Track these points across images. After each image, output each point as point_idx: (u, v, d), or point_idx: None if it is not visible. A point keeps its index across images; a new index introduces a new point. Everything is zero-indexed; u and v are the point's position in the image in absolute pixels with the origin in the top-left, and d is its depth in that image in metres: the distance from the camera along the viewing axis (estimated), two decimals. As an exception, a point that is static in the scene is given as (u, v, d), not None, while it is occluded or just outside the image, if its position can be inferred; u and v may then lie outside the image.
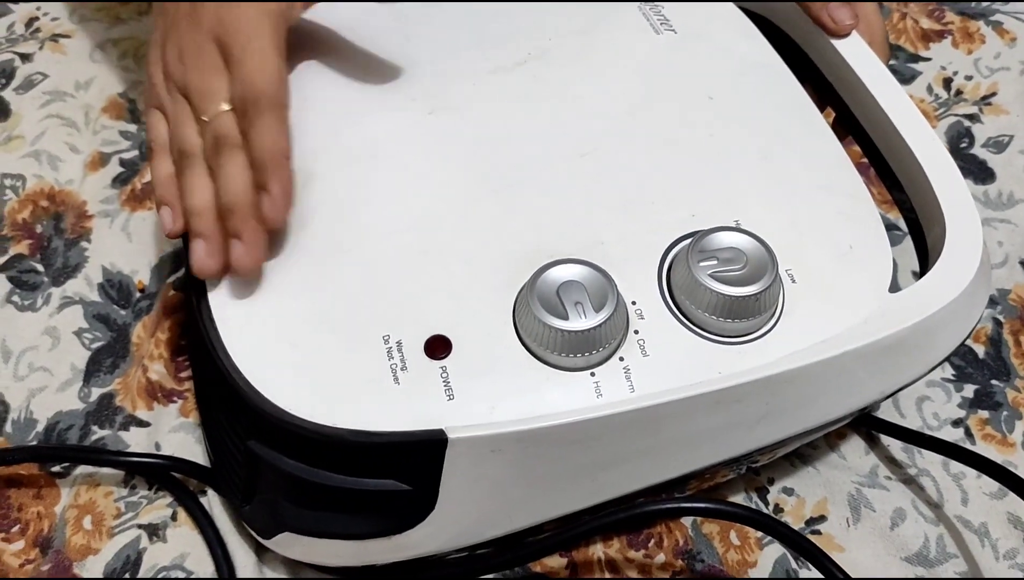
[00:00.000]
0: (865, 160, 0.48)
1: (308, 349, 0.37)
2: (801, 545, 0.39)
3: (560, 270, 0.37)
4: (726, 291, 0.36)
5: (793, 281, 0.39)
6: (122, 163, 0.57)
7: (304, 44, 0.47)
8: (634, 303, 0.38)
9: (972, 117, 0.62)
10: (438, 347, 0.37)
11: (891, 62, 0.64)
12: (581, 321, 0.35)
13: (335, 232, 0.40)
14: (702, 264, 0.37)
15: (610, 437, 0.36)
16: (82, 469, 0.46)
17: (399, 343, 0.37)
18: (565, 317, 0.36)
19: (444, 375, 0.36)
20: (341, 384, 0.36)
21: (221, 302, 0.39)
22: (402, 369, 0.36)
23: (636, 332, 0.37)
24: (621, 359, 0.37)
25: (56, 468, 0.47)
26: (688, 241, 0.39)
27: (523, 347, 0.37)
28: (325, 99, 0.45)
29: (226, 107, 0.40)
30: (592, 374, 0.36)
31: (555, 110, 0.44)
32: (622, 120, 0.44)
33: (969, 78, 0.64)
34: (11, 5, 0.64)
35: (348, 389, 0.36)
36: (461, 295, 0.38)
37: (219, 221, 0.40)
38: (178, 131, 0.41)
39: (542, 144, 0.43)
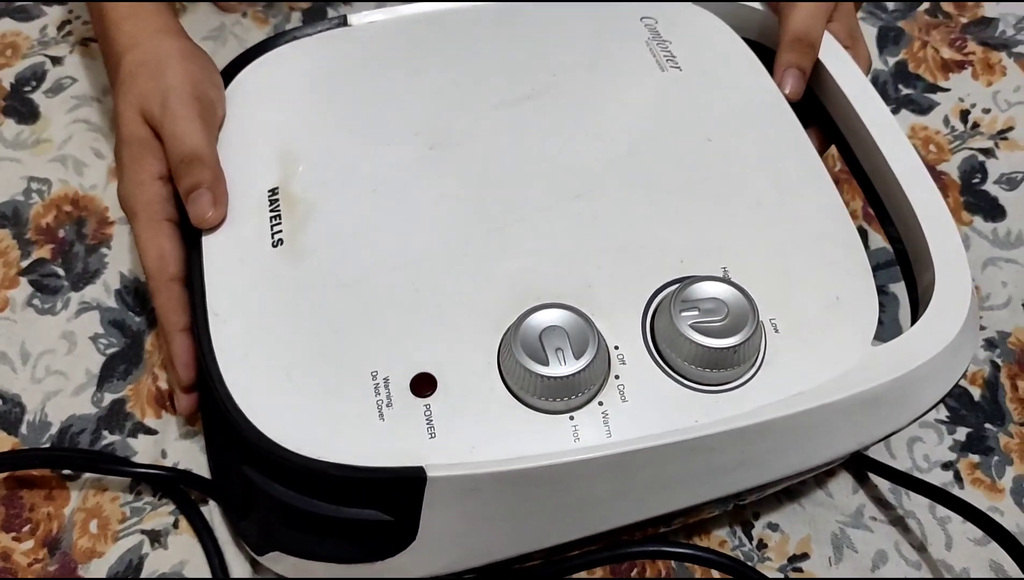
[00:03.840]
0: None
1: (301, 381, 0.39)
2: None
3: (543, 315, 0.38)
4: (705, 342, 0.37)
5: (776, 331, 0.40)
6: (144, 171, 0.59)
7: (307, 78, 0.48)
8: (617, 348, 0.39)
9: (987, 152, 0.62)
10: (423, 385, 0.38)
11: (909, 92, 0.64)
12: (560, 367, 0.37)
13: (334, 265, 0.41)
14: (684, 314, 0.38)
15: (587, 480, 0.37)
16: (91, 473, 0.48)
17: (386, 379, 0.38)
18: (545, 362, 0.37)
19: (428, 413, 0.37)
20: (329, 418, 0.38)
21: (220, 330, 0.40)
22: (387, 406, 0.37)
23: (617, 377, 0.38)
24: (600, 404, 0.38)
25: (67, 471, 0.49)
26: (673, 289, 0.39)
27: (505, 388, 0.38)
28: (329, 132, 0.46)
29: None
30: (571, 417, 0.37)
31: (555, 147, 0.45)
32: (620, 160, 0.45)
33: (987, 111, 0.63)
34: (44, 7, 0.66)
35: (336, 423, 0.38)
36: (449, 334, 0.39)
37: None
38: None
39: (540, 183, 0.44)
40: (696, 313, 0.38)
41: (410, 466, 0.36)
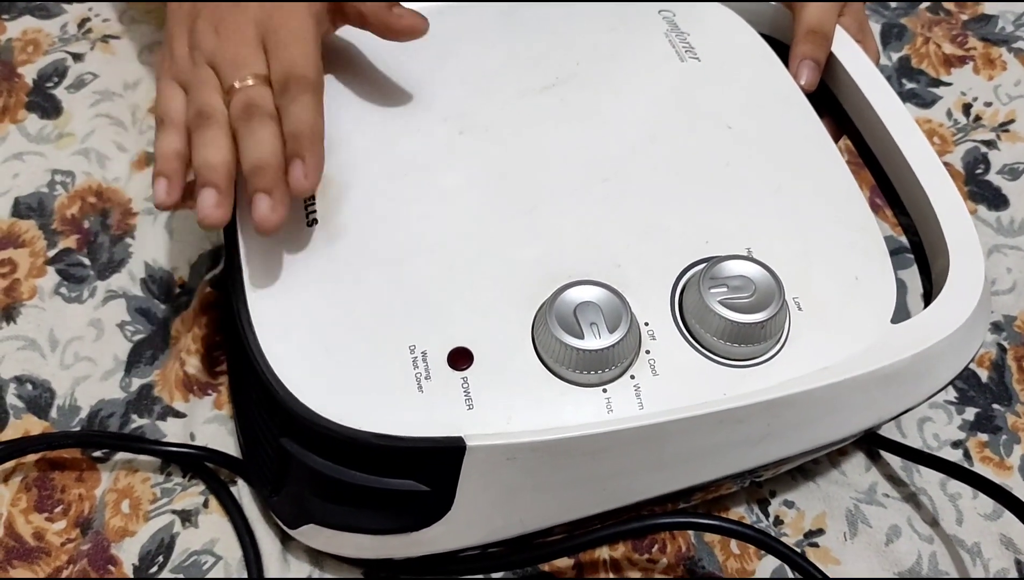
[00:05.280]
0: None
1: (340, 355, 0.40)
2: (796, 562, 0.41)
3: (577, 291, 0.39)
4: (734, 318, 0.38)
5: (800, 309, 0.41)
6: (166, 163, 0.60)
7: (341, 63, 0.50)
8: (647, 324, 0.40)
9: (989, 143, 0.63)
10: (460, 359, 0.39)
11: (912, 86, 0.66)
12: (595, 341, 0.38)
13: (369, 244, 0.43)
14: (712, 290, 0.39)
15: (619, 450, 0.39)
16: (121, 455, 0.49)
17: (424, 353, 0.39)
18: (581, 336, 0.38)
19: (465, 386, 0.38)
20: (369, 390, 0.39)
21: (260, 306, 0.41)
22: (426, 378, 0.39)
23: (648, 352, 0.39)
24: (632, 377, 0.39)
25: (97, 453, 0.49)
26: (701, 267, 0.41)
27: (540, 362, 0.39)
28: (362, 116, 0.47)
29: (254, 81, 0.42)
30: (604, 390, 0.39)
31: (580, 134, 0.46)
32: (644, 146, 0.46)
33: (989, 104, 0.65)
34: (64, 5, 0.67)
35: (375, 395, 0.39)
36: (484, 310, 0.40)
37: (232, 179, 0.42)
38: (200, 95, 0.43)
39: (566, 167, 0.45)
40: (724, 290, 0.39)
41: (449, 436, 0.37)
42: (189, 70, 0.44)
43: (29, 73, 0.63)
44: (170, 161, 0.43)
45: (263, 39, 0.43)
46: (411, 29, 0.46)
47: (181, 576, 0.46)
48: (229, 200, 0.41)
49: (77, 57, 0.64)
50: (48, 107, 0.62)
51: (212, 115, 0.42)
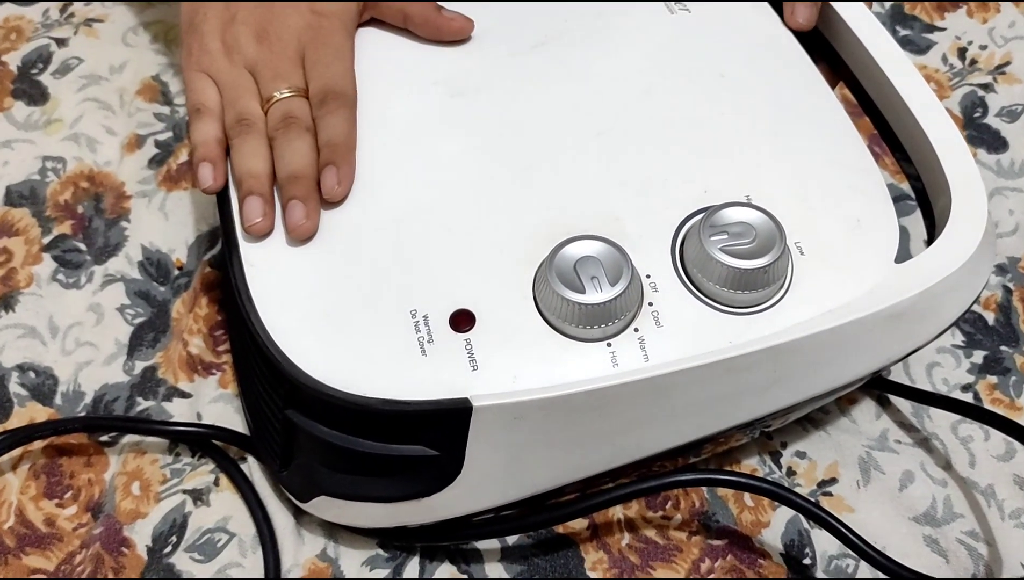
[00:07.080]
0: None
1: (341, 323, 0.39)
2: (810, 511, 0.41)
3: (577, 246, 0.39)
4: (736, 264, 0.38)
5: (802, 253, 0.41)
6: (157, 144, 0.59)
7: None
8: (648, 276, 0.40)
9: (986, 87, 0.63)
10: (462, 321, 0.39)
11: (906, 32, 0.65)
12: (597, 294, 0.37)
13: (365, 211, 0.42)
14: (713, 238, 0.39)
15: (626, 404, 0.38)
16: (129, 438, 0.49)
17: (425, 317, 0.39)
18: (582, 291, 0.38)
19: (468, 347, 0.38)
20: (372, 356, 0.39)
21: (258, 278, 0.41)
22: (429, 342, 0.38)
23: (650, 304, 0.39)
24: (636, 330, 0.39)
25: (104, 437, 0.49)
26: (700, 216, 0.40)
27: (543, 319, 0.39)
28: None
29: (292, 93, 0.44)
30: (608, 344, 0.38)
31: (572, 90, 0.46)
32: (637, 98, 0.45)
33: (984, 48, 0.65)
34: (46, -9, 0.66)
35: (379, 361, 0.38)
36: (484, 271, 0.40)
37: (272, 187, 0.43)
38: (240, 101, 0.44)
39: (560, 124, 0.44)
40: (725, 237, 0.39)
41: (456, 398, 0.37)
42: (226, 70, 0.45)
43: (13, 60, 0.63)
44: (212, 147, 0.44)
45: (303, 53, 0.45)
46: (460, 31, 0.47)
47: (196, 555, 0.46)
48: (272, 209, 0.43)
49: (61, 42, 0.64)
50: (35, 94, 0.61)
51: (254, 123, 0.44)
